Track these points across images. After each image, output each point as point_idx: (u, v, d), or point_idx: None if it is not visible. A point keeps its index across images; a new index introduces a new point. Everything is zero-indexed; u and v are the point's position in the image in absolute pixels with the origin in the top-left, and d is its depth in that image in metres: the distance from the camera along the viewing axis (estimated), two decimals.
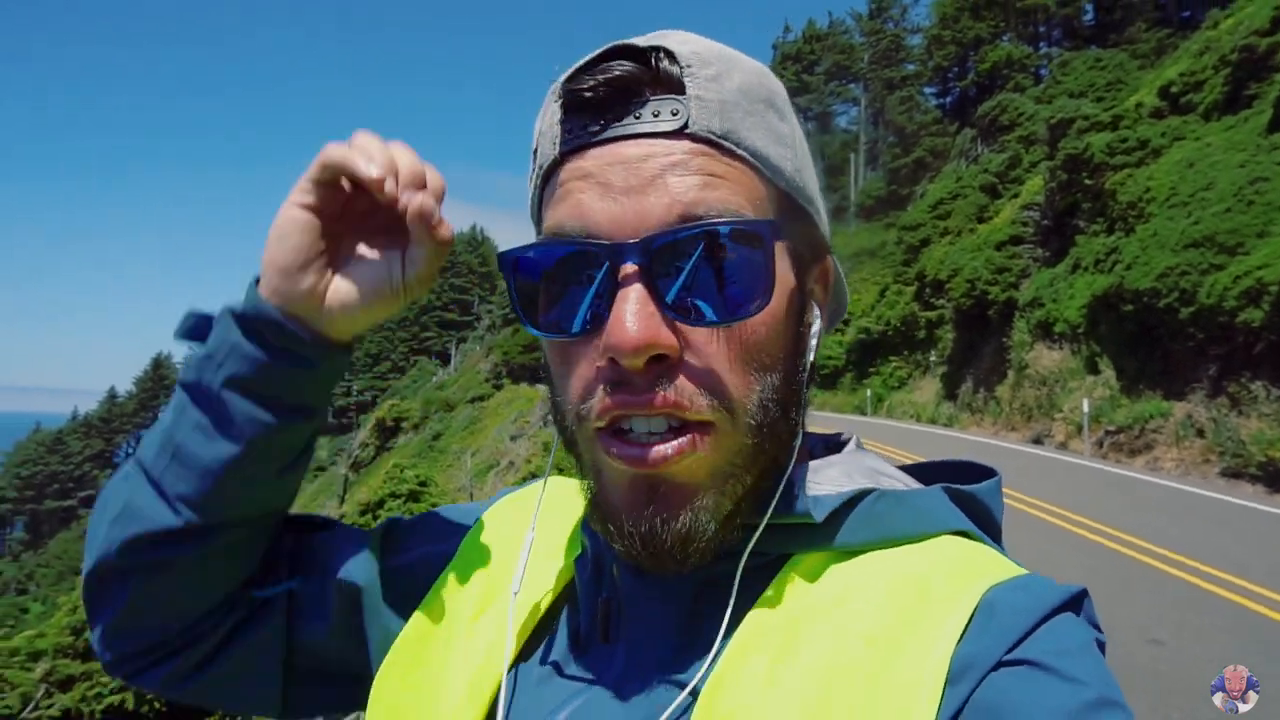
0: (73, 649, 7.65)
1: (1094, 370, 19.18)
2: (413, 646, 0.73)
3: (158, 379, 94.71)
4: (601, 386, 0.58)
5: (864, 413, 31.80)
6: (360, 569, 0.80)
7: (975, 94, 52.33)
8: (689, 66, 0.59)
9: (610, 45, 0.59)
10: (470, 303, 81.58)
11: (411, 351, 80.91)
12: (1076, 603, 0.58)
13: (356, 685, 0.80)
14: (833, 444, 0.75)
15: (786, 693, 0.55)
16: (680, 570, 0.60)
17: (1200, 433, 14.67)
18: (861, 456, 0.71)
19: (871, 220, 55.06)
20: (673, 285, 0.56)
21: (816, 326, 0.66)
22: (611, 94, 0.58)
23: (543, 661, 0.69)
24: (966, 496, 0.67)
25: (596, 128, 0.59)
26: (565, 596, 0.72)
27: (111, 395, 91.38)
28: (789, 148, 0.64)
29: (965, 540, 0.64)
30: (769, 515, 0.61)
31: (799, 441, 0.65)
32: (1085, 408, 17.84)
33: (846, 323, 35.78)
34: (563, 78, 0.60)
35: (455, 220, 0.69)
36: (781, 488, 0.62)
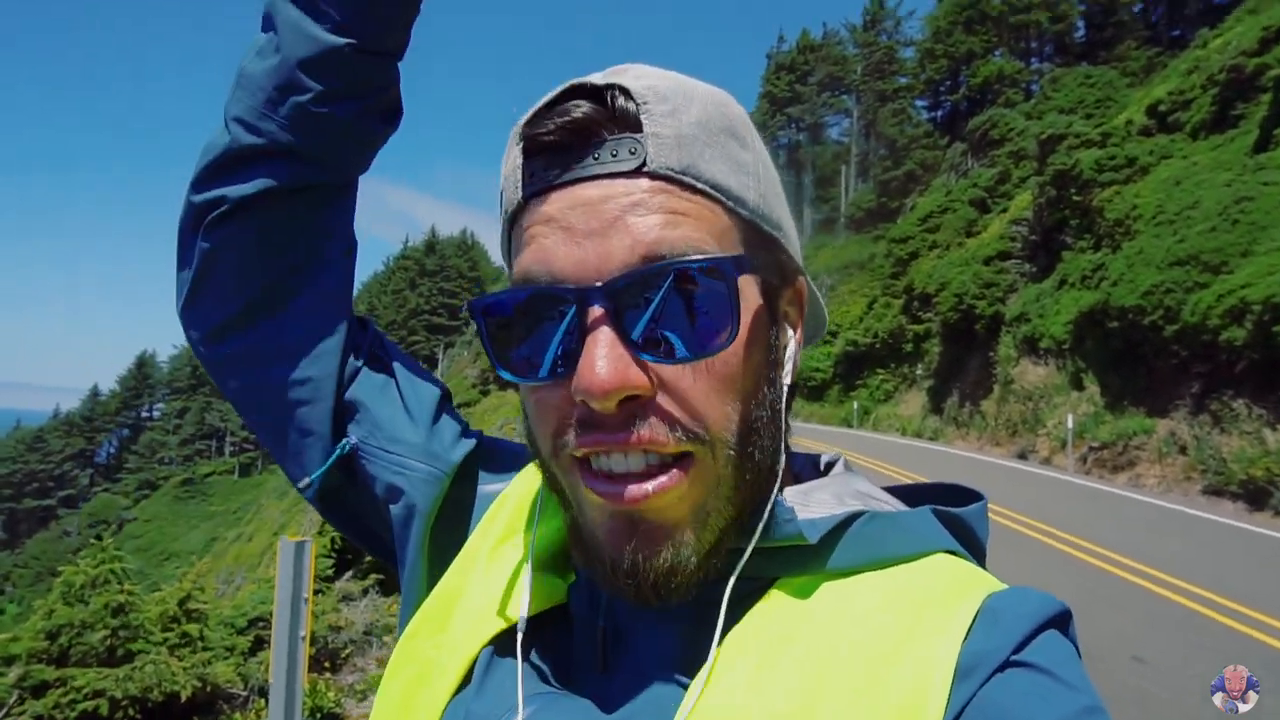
0: (47, 654, 7.51)
1: (1079, 386, 19.33)
2: (438, 609, 0.73)
3: (141, 377, 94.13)
4: (573, 427, 0.58)
5: (850, 425, 31.95)
6: (422, 489, 0.80)
7: (966, 108, 52.90)
8: (645, 103, 0.59)
9: (566, 85, 0.60)
10: (458, 307, 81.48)
11: None
12: (1066, 618, 0.60)
13: (375, 536, 0.85)
14: (821, 465, 0.74)
15: (772, 695, 0.55)
16: (665, 604, 0.59)
17: (1183, 450, 14.79)
18: (851, 479, 0.71)
19: (861, 232, 55.49)
20: (640, 325, 0.56)
21: (792, 348, 0.66)
22: (569, 136, 0.58)
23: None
24: (953, 519, 0.67)
25: (556, 171, 0.59)
26: (556, 619, 0.70)
27: (94, 393, 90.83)
28: (751, 175, 0.63)
29: (956, 559, 0.64)
30: (757, 537, 0.61)
31: (782, 465, 0.64)
32: (1069, 423, 17.97)
33: (834, 334, 35.91)
34: (522, 121, 0.61)
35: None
36: (768, 512, 0.62)
